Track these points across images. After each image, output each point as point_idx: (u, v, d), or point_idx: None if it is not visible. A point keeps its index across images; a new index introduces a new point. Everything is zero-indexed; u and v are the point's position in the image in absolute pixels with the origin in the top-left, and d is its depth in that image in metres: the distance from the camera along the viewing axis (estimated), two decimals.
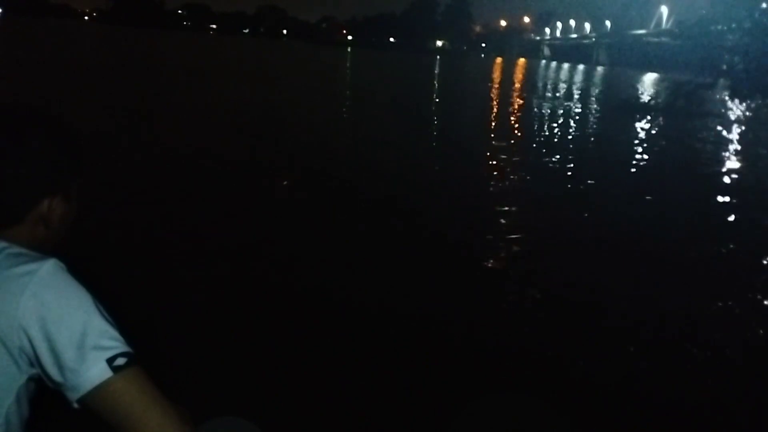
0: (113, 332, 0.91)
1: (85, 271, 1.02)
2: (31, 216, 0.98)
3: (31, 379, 0.90)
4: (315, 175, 7.53)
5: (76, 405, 0.88)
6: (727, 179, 10.04)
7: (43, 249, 0.98)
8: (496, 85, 34.57)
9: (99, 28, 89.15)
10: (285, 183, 6.99)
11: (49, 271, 0.89)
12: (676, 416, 3.00)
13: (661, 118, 18.32)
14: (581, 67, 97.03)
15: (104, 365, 0.86)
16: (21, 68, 18.11)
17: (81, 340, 0.87)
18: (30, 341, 0.86)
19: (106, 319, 0.91)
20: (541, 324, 3.89)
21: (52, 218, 1.00)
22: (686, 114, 17.77)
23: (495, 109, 20.43)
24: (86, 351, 0.86)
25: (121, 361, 0.88)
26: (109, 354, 0.87)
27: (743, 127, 18.05)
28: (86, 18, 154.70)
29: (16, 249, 0.93)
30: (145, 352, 0.98)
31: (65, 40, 42.36)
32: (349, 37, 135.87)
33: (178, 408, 0.93)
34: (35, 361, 0.87)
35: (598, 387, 3.15)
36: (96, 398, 0.86)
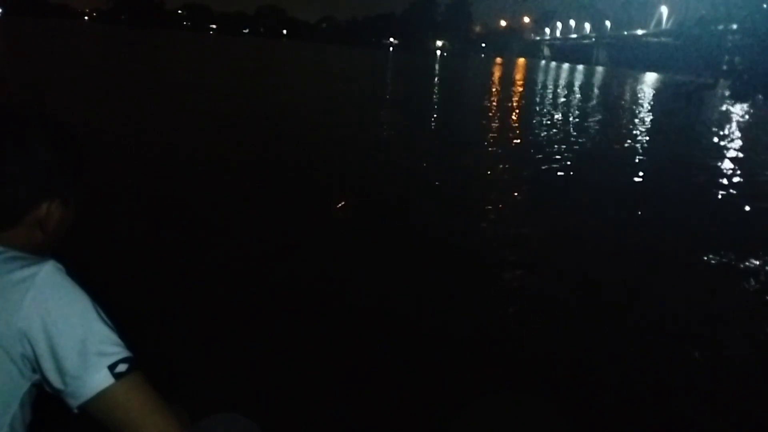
0: (114, 337, 0.90)
1: (83, 270, 1.01)
2: (28, 219, 0.97)
3: (33, 385, 0.90)
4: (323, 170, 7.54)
5: (76, 410, 0.88)
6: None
7: (39, 253, 0.97)
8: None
9: (100, 28, 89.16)
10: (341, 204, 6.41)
11: (48, 274, 0.88)
12: (676, 416, 3.00)
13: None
14: (580, 67, 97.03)
15: (106, 372, 0.86)
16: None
17: (83, 346, 0.86)
18: (32, 348, 0.85)
19: (107, 324, 0.91)
20: (542, 324, 3.89)
21: (49, 222, 0.99)
22: None
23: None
24: (88, 357, 0.86)
25: (122, 367, 0.88)
26: (111, 360, 0.87)
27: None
28: (86, 18, 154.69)
29: (12, 253, 0.92)
30: (145, 351, 0.99)
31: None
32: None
33: (175, 411, 0.93)
34: (37, 367, 0.87)
35: (598, 387, 3.15)
36: (97, 405, 0.86)
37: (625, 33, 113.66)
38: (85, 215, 1.09)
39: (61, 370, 0.85)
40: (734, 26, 8.02)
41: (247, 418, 1.27)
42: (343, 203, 6.30)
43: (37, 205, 0.97)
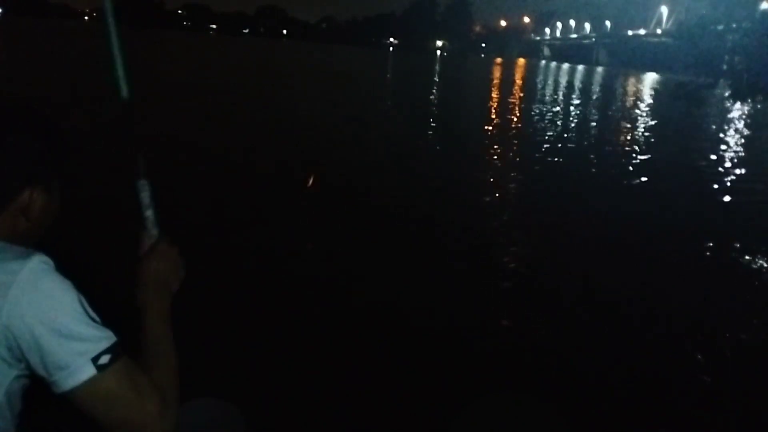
0: (98, 330, 0.91)
1: (72, 262, 1.02)
2: (11, 207, 0.98)
3: (22, 375, 0.92)
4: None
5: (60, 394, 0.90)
6: None
7: (25, 242, 0.98)
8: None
9: (100, 28, 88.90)
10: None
11: (32, 269, 0.89)
12: (676, 416, 3.00)
13: None
14: (580, 67, 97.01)
15: (89, 365, 0.88)
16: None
17: (66, 339, 0.88)
18: (16, 340, 0.87)
19: (91, 317, 0.92)
20: (542, 324, 3.89)
21: (32, 210, 1.00)
22: None
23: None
24: (71, 350, 0.88)
25: (105, 359, 0.89)
26: (93, 353, 0.89)
27: None
28: (86, 18, 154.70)
29: None
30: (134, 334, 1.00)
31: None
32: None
33: (160, 391, 0.96)
34: (22, 357, 0.89)
35: (597, 387, 3.15)
36: (78, 395, 0.89)
37: (625, 33, 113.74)
38: (83, 211, 1.14)
39: (45, 362, 0.87)
40: (733, 26, 8.01)
41: (227, 402, 1.29)
42: (312, 179, 6.38)
43: (19, 192, 0.98)
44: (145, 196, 1.21)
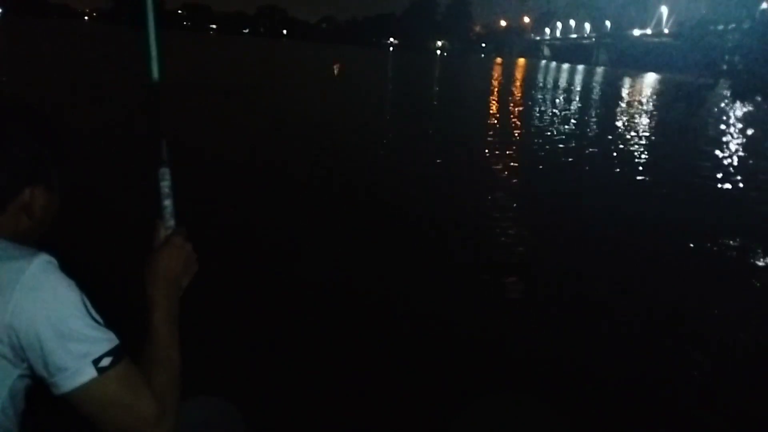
0: (100, 332, 0.91)
1: (74, 262, 1.01)
2: (13, 206, 0.98)
3: (24, 375, 0.91)
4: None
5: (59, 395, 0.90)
6: None
7: (27, 240, 0.98)
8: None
9: (100, 28, 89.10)
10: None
11: (38, 268, 0.89)
12: (676, 416, 3.00)
13: None
14: (581, 67, 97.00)
15: (89, 367, 0.88)
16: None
17: (68, 341, 0.87)
18: (19, 340, 0.86)
19: (94, 318, 0.91)
20: (542, 323, 3.89)
21: (34, 208, 1.00)
22: None
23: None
24: (73, 352, 0.87)
25: (106, 361, 0.89)
26: (95, 355, 0.89)
27: None
28: (86, 18, 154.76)
29: (2, 243, 0.93)
30: (136, 331, 1.00)
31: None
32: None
33: (159, 396, 0.95)
34: (24, 357, 0.88)
35: (597, 386, 3.15)
36: (77, 397, 0.88)
37: (625, 33, 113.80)
38: (86, 211, 1.14)
39: (46, 363, 0.87)
40: (733, 26, 8.01)
41: (226, 401, 1.28)
42: (338, 68, 6.40)
43: (20, 190, 0.98)
44: (166, 185, 1.17)
